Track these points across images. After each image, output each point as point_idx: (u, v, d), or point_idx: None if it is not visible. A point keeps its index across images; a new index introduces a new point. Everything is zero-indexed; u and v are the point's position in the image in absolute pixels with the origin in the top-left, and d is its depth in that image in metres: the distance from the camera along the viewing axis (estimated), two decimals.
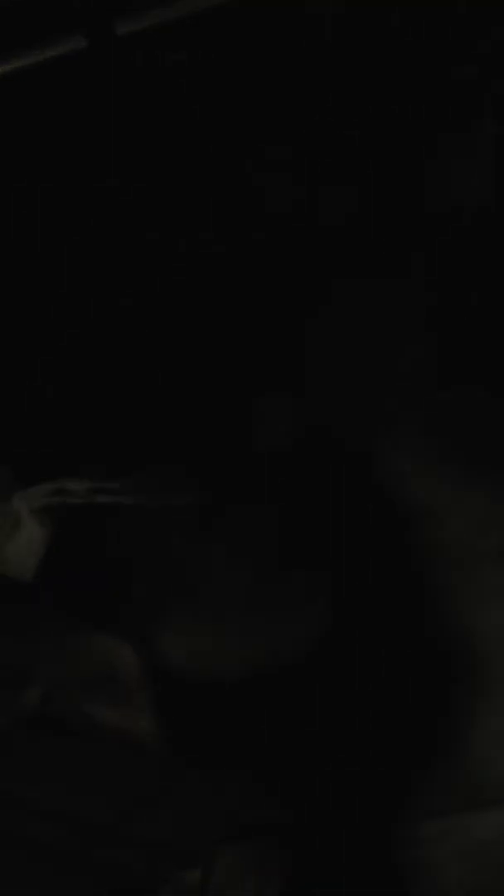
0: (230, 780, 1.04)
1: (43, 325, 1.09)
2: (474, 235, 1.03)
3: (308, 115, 1.08)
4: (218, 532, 1.02)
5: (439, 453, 0.99)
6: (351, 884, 0.98)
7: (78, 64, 1.09)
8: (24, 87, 1.09)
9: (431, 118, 1.07)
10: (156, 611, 1.02)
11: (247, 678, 0.99)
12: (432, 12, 1.05)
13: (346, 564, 0.99)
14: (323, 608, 0.99)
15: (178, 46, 1.08)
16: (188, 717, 1.01)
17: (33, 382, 1.09)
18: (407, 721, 0.97)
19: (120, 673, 1.03)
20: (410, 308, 1.04)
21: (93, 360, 1.09)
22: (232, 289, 1.08)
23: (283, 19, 1.07)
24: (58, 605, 1.04)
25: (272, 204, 1.09)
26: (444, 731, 0.95)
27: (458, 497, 0.97)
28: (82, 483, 1.03)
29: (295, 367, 1.05)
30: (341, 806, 0.97)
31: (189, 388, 1.07)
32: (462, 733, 0.95)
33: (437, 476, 0.98)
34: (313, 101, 1.08)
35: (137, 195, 1.10)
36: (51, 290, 1.10)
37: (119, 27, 1.08)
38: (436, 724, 0.96)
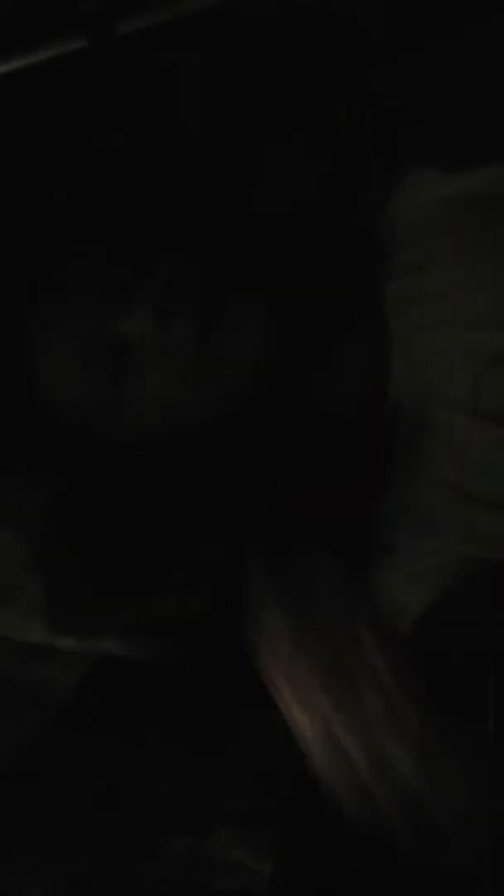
0: (225, 766, 1.05)
1: None
2: None
3: (308, 114, 1.09)
4: None
5: None
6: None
7: (78, 64, 1.09)
8: (24, 87, 1.09)
9: None
10: None
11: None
12: None
13: None
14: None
15: (178, 46, 1.08)
16: None
17: None
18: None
19: None
20: None
21: None
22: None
23: (283, 19, 1.08)
24: None
25: (273, 204, 1.09)
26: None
27: None
28: None
29: None
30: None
31: None
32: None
33: None
34: (314, 101, 1.09)
35: (137, 196, 1.10)
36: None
37: (119, 27, 1.08)
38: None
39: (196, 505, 1.02)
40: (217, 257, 1.02)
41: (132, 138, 1.10)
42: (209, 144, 1.10)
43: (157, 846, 1.05)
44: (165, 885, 1.04)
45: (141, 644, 1.04)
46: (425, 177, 1.04)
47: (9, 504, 1.05)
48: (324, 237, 1.06)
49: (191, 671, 1.05)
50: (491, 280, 1.00)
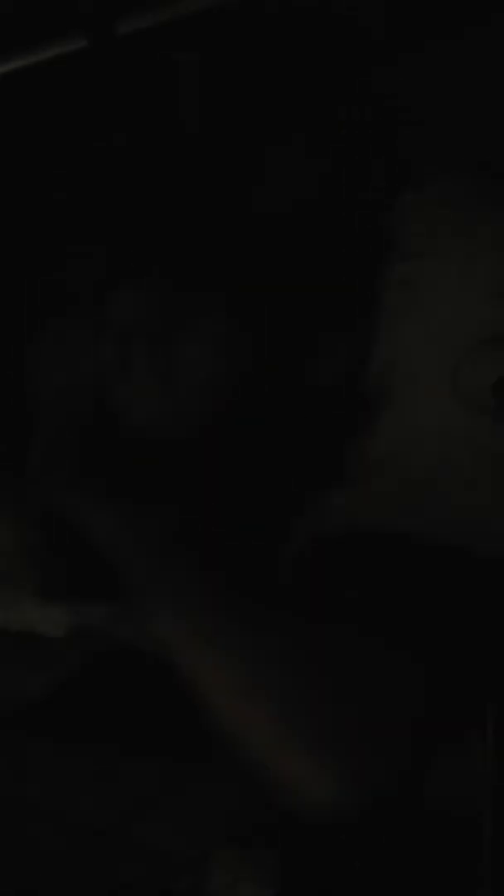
0: (227, 788, 1.04)
1: None
2: None
3: (308, 114, 1.09)
4: None
5: None
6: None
7: (78, 64, 1.09)
8: (24, 87, 1.09)
9: None
10: None
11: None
12: None
13: None
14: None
15: (179, 46, 1.08)
16: None
17: None
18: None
19: None
20: None
21: None
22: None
23: (283, 19, 1.07)
24: None
25: (272, 204, 1.09)
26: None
27: None
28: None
29: None
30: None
31: None
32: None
33: None
34: (314, 101, 1.09)
35: (137, 197, 1.10)
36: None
37: (119, 27, 1.08)
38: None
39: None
40: (186, 268, 1.03)
41: (132, 138, 1.10)
42: (209, 144, 1.10)
43: (157, 889, 1.04)
44: None
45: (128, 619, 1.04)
46: (430, 177, 1.04)
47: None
48: (323, 237, 1.06)
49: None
50: (483, 268, 1.00)
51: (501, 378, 0.96)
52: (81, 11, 1.08)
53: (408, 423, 0.97)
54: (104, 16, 1.08)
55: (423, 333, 1.00)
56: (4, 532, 1.06)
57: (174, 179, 1.10)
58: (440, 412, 0.96)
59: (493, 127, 1.08)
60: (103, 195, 1.09)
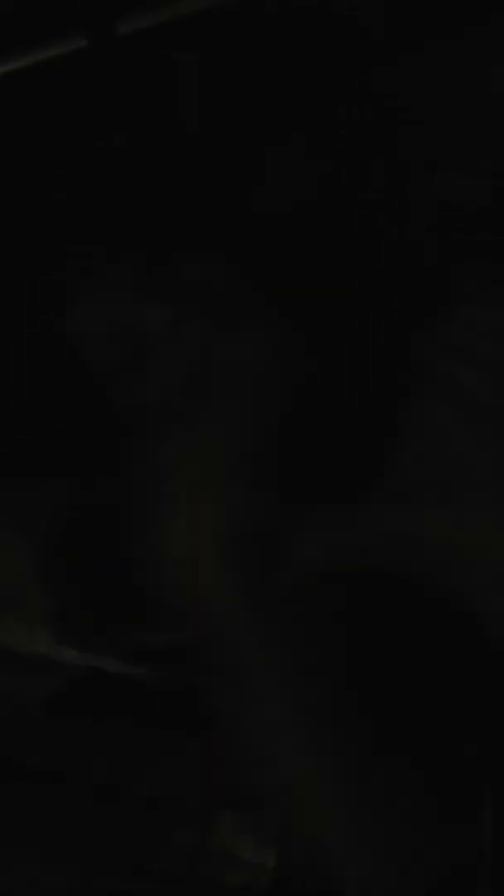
0: (229, 748, 1.05)
1: None
2: None
3: (308, 114, 1.09)
4: None
5: None
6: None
7: (78, 64, 1.09)
8: (24, 87, 1.09)
9: None
10: None
11: None
12: None
13: None
14: None
15: (180, 46, 1.08)
16: None
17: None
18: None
19: None
20: None
21: None
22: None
23: (283, 19, 1.08)
24: None
25: (272, 204, 1.09)
26: None
27: None
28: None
29: None
30: None
31: None
32: None
33: None
34: (314, 101, 1.09)
35: (138, 197, 1.11)
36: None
37: (119, 27, 1.08)
38: None
39: None
40: (234, 259, 1.03)
41: (132, 138, 1.10)
42: (209, 144, 1.10)
43: (159, 843, 1.05)
44: (169, 884, 1.04)
45: (135, 665, 1.05)
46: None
47: (18, 511, 1.06)
48: (323, 237, 1.07)
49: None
50: None
51: None
52: (81, 11, 1.08)
53: (450, 505, 0.99)
54: (104, 16, 1.08)
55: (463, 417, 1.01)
56: (17, 555, 1.07)
57: (174, 180, 1.10)
58: (484, 501, 0.98)
59: (493, 127, 1.08)
60: (103, 195, 1.09)
